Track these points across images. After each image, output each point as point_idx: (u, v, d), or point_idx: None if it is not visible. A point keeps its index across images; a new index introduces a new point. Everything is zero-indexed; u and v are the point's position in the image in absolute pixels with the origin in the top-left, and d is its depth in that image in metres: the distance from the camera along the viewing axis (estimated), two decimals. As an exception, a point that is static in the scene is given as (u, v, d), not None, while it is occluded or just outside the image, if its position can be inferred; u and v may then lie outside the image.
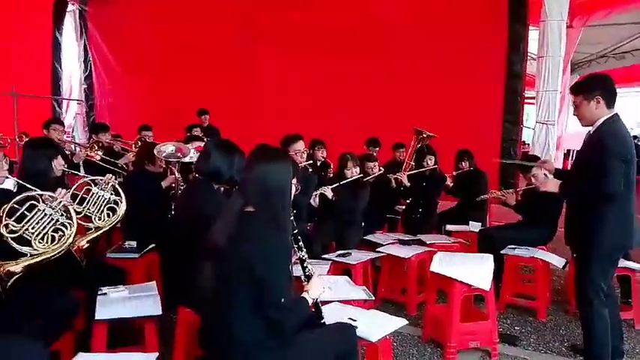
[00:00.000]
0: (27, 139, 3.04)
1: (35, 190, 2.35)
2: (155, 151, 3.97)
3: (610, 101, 2.71)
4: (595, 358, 2.81)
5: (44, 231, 2.31)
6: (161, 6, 8.27)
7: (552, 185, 2.84)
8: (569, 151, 8.48)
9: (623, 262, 3.69)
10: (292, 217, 2.04)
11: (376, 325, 2.39)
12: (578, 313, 2.97)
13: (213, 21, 7.94)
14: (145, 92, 8.38)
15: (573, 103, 2.83)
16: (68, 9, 8.85)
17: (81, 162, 4.80)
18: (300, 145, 3.93)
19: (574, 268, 3.03)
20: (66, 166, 3.09)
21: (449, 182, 5.16)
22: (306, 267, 2.14)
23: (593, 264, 2.74)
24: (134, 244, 3.54)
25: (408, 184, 4.95)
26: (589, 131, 2.81)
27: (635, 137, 16.49)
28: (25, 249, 2.24)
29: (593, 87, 2.75)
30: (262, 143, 2.12)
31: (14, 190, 2.54)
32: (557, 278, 4.63)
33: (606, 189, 2.59)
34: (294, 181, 2.04)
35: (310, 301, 2.05)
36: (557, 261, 3.89)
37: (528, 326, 3.65)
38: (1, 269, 2.09)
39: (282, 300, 1.84)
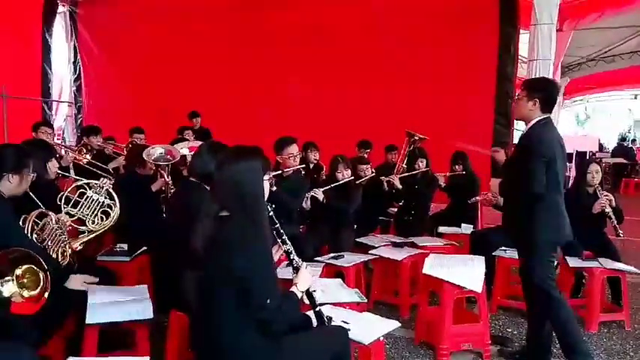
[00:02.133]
0: (22, 142, 3.01)
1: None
2: (144, 154, 3.95)
3: (545, 106, 2.85)
4: (571, 347, 2.85)
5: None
6: (152, 8, 8.23)
7: (494, 185, 2.93)
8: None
9: (613, 264, 3.73)
10: (271, 213, 2.03)
11: (369, 328, 2.39)
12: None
13: (205, 22, 7.92)
14: (135, 94, 8.32)
15: (517, 95, 2.99)
16: (58, 10, 8.77)
17: (70, 165, 4.75)
18: (293, 149, 3.92)
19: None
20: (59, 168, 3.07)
21: (442, 183, 5.18)
22: (293, 259, 2.13)
23: (533, 259, 2.87)
24: (125, 247, 3.51)
25: (400, 187, 4.96)
26: (523, 130, 2.97)
27: (623, 139, 16.77)
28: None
29: (536, 88, 2.89)
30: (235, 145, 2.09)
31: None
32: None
33: (530, 189, 2.74)
34: (267, 177, 2.01)
35: (299, 295, 2.03)
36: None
37: (520, 328, 3.66)
38: (69, 247, 2.27)
39: (268, 301, 1.82)
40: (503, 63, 6.49)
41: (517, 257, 3.80)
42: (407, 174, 5.06)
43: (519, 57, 6.65)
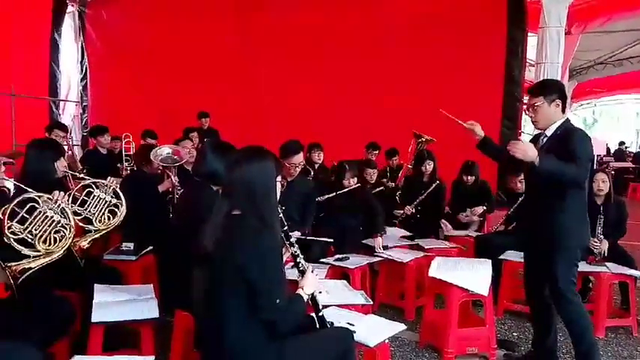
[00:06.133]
0: (32, 140, 3.02)
1: (33, 192, 2.34)
2: (152, 155, 3.97)
3: (565, 106, 2.81)
4: (585, 355, 2.80)
5: (46, 233, 2.31)
6: (159, 8, 8.27)
7: (531, 151, 2.59)
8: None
9: (621, 269, 3.70)
10: (281, 215, 2.03)
11: (374, 330, 2.38)
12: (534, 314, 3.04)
13: (212, 23, 7.95)
14: (141, 94, 8.35)
15: (531, 105, 2.81)
16: (67, 10, 8.83)
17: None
18: (297, 159, 3.82)
19: (528, 265, 3.04)
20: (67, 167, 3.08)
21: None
22: (299, 262, 2.13)
23: (561, 263, 2.75)
24: (131, 246, 3.52)
25: (413, 212, 4.96)
26: (544, 134, 2.82)
27: (622, 143, 16.64)
28: (26, 251, 2.23)
29: (553, 90, 2.80)
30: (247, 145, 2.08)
31: (11, 193, 2.53)
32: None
33: (581, 179, 2.64)
34: (279, 178, 2.02)
35: (305, 298, 2.02)
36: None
37: (527, 332, 3.64)
38: (15, 268, 2.10)
39: (277, 301, 1.82)
40: (511, 66, 6.46)
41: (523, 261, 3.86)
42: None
43: (527, 60, 6.62)
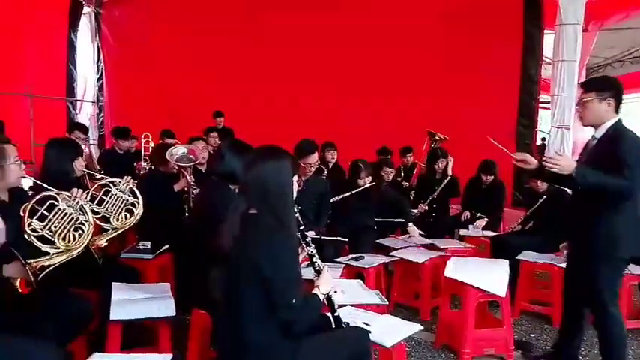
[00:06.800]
0: (50, 140, 3.06)
1: (52, 190, 2.37)
2: (167, 154, 4.00)
3: (618, 106, 2.64)
4: None
5: (66, 230, 2.34)
6: (174, 9, 8.34)
7: (567, 164, 2.53)
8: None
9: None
10: (297, 214, 2.03)
11: (390, 330, 2.36)
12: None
13: (225, 24, 7.99)
14: (155, 94, 8.43)
15: (581, 99, 2.68)
16: (84, 11, 8.95)
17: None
18: (312, 159, 3.84)
19: (570, 270, 2.93)
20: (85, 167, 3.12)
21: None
22: (315, 262, 2.12)
23: (609, 272, 2.63)
24: (148, 244, 3.56)
25: (427, 209, 4.92)
26: (593, 136, 2.71)
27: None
28: (46, 247, 2.25)
29: (607, 87, 2.64)
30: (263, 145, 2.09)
31: (30, 191, 2.57)
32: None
33: (627, 192, 2.50)
34: (295, 177, 2.02)
35: (321, 297, 2.02)
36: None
37: (544, 333, 3.60)
38: (35, 265, 2.12)
39: (294, 300, 1.82)
40: (527, 64, 6.40)
41: (541, 261, 3.82)
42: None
43: (544, 58, 6.54)
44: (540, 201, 4.19)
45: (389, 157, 5.74)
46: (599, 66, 10.95)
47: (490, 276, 3.08)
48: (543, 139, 7.28)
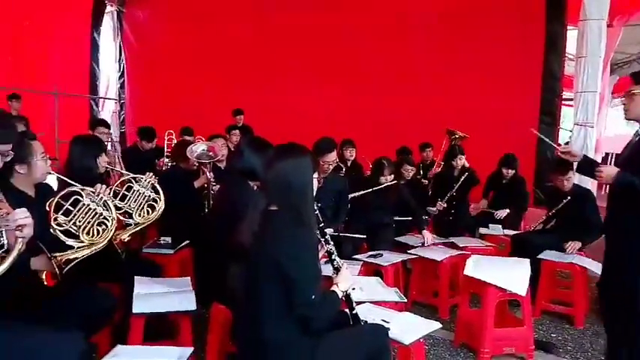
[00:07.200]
0: (75, 136, 3.12)
1: (77, 186, 2.43)
2: (187, 152, 4.05)
3: None
4: None
5: (90, 224, 2.40)
6: (194, 8, 8.41)
7: (608, 174, 2.51)
8: (607, 154, 8.22)
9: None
10: (317, 212, 2.04)
11: (409, 328, 2.36)
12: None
13: (245, 23, 8.04)
14: (175, 92, 8.50)
15: (629, 91, 2.56)
16: (106, 10, 9.10)
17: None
18: (331, 157, 3.77)
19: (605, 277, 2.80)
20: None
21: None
22: (334, 260, 2.14)
23: None
24: (169, 239, 3.61)
25: (445, 207, 4.90)
26: (637, 132, 2.60)
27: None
28: (71, 242, 2.31)
29: None
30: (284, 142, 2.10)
31: (56, 187, 2.63)
32: (595, 285, 4.48)
33: None
34: (316, 175, 2.03)
35: (340, 294, 2.03)
36: (595, 267, 3.75)
37: (565, 334, 3.55)
38: (60, 259, 2.17)
39: (313, 297, 1.83)
40: (550, 61, 6.29)
41: (562, 261, 3.76)
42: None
43: (567, 54, 6.42)
44: (565, 201, 4.11)
45: (409, 155, 5.71)
46: (624, 62, 10.69)
47: (511, 275, 3.04)
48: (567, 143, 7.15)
